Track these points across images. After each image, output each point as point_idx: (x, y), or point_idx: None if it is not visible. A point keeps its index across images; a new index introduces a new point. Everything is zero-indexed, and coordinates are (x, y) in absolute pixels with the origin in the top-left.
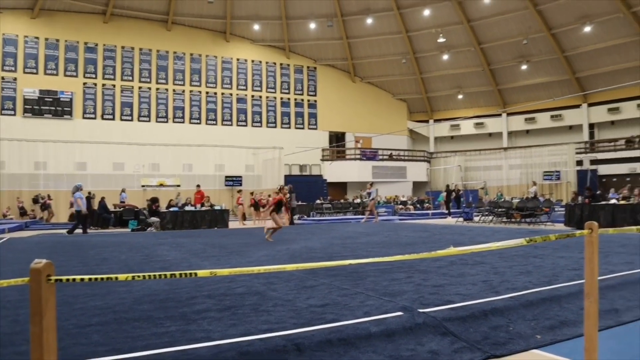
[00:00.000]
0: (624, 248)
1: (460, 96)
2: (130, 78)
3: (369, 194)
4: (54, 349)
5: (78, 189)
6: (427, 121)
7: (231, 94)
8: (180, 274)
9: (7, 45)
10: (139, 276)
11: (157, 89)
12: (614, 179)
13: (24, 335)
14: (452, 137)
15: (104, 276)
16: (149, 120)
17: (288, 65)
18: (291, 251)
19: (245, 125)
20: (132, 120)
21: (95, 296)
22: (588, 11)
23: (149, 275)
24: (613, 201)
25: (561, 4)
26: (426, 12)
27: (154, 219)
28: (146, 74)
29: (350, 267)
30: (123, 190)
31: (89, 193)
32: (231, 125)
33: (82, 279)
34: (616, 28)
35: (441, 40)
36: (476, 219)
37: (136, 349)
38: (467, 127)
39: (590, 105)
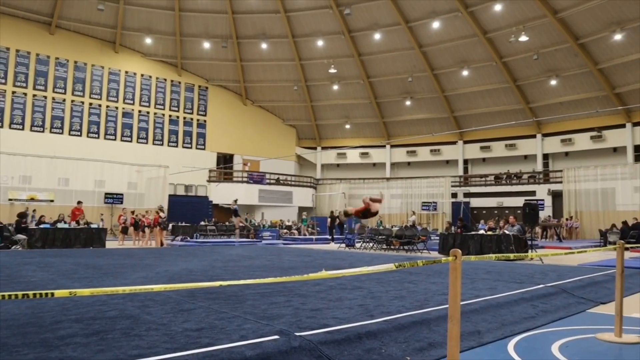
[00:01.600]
0: (489, 275)
1: (347, 126)
2: (4, 81)
3: (235, 210)
4: None
5: None
6: (315, 148)
7: (117, 107)
8: (35, 294)
9: None
10: None
11: (34, 95)
12: (484, 211)
13: None
14: (338, 165)
15: None
16: (23, 129)
17: (179, 82)
18: (170, 273)
19: (130, 141)
20: (2, 127)
21: None
22: (466, 57)
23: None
24: (482, 231)
25: (442, 48)
26: (319, 43)
27: (20, 236)
28: (22, 78)
29: (229, 290)
30: None
31: None
32: (115, 139)
33: None
34: (489, 74)
35: (332, 70)
36: (358, 245)
37: None
38: (353, 156)
39: (465, 142)
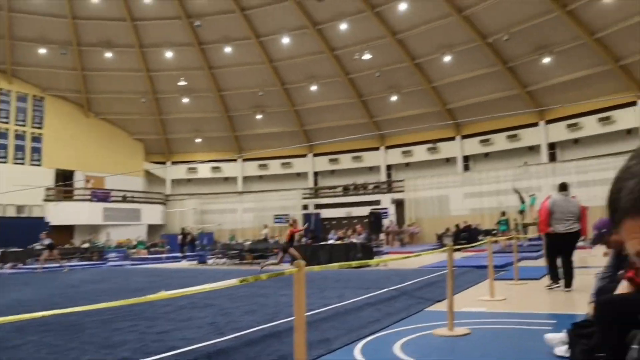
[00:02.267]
0: (338, 283)
1: (198, 140)
2: None
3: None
4: None
5: None
6: (164, 163)
7: None
8: None
9: None
10: None
11: None
12: (334, 222)
13: None
14: (189, 179)
15: None
16: None
17: (9, 91)
18: None
19: None
20: None
21: None
22: (315, 72)
23: None
24: (331, 241)
25: (293, 63)
26: (169, 54)
27: None
28: None
29: (66, 320)
30: None
31: None
32: None
33: None
34: (337, 90)
35: (182, 83)
36: (210, 261)
37: None
38: (204, 171)
39: (315, 155)
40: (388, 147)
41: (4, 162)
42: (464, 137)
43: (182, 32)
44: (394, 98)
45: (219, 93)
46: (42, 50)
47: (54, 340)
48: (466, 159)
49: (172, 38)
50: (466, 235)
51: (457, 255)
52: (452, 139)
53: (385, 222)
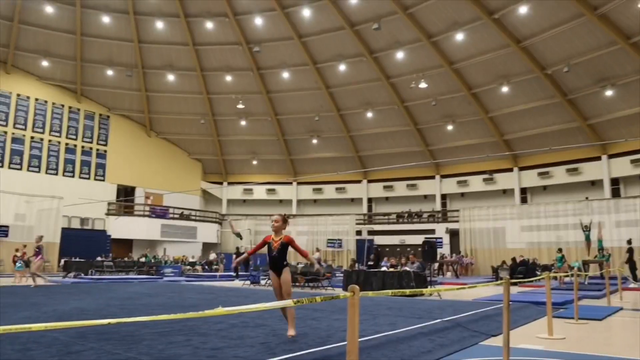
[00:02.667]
0: (390, 310)
1: (254, 162)
2: None
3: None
4: None
5: None
6: (221, 183)
7: (5, 132)
8: None
9: None
10: None
11: None
12: (387, 249)
13: None
14: (244, 200)
15: None
16: None
17: (78, 109)
18: (59, 313)
19: (20, 169)
20: None
21: None
22: (371, 99)
23: None
24: (384, 269)
25: (349, 89)
26: (228, 78)
27: None
28: None
29: (124, 330)
30: None
31: None
32: (2, 167)
33: None
34: (392, 117)
35: (240, 106)
36: (263, 282)
37: None
38: (259, 192)
39: (369, 181)
40: (443, 176)
41: (71, 177)
42: (522, 168)
43: (241, 57)
44: (449, 127)
45: (275, 117)
46: (109, 72)
47: (113, 349)
48: (524, 191)
49: (231, 62)
50: (523, 269)
51: (514, 290)
52: (510, 170)
53: (440, 251)
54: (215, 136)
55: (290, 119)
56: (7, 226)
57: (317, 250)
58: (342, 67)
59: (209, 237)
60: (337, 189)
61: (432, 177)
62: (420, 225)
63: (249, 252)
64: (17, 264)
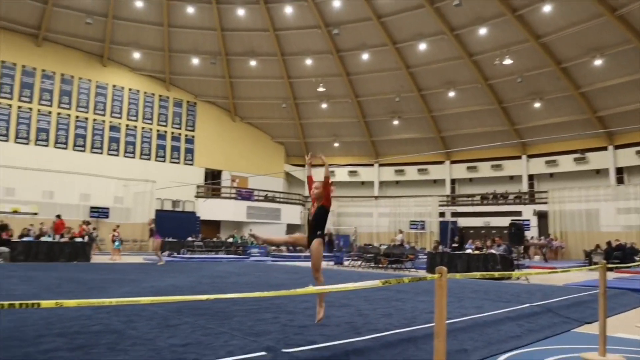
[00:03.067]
0: (475, 293)
1: (336, 144)
2: None
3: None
4: None
5: None
6: (303, 165)
7: (104, 121)
8: (21, 304)
9: None
10: None
11: (20, 107)
12: (471, 231)
13: None
14: None
15: None
16: (7, 140)
17: (167, 97)
18: (156, 289)
19: (117, 155)
20: None
21: None
22: (453, 78)
23: None
24: (469, 251)
25: (430, 69)
26: (308, 62)
27: (2, 248)
28: (7, 89)
29: (216, 306)
30: None
31: None
32: (101, 153)
33: None
34: (475, 96)
35: (321, 89)
36: (346, 263)
37: None
38: (341, 174)
39: (452, 162)
40: (530, 156)
41: (163, 162)
42: (618, 147)
43: (321, 41)
44: (537, 104)
45: (356, 99)
46: (195, 61)
47: (206, 324)
48: (620, 171)
49: (311, 46)
50: (620, 254)
51: (609, 276)
52: (603, 148)
53: (527, 234)
54: (297, 119)
55: (370, 101)
56: (107, 208)
57: (400, 231)
58: (422, 47)
59: (293, 218)
60: (419, 170)
61: (519, 157)
62: (506, 207)
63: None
64: (115, 242)
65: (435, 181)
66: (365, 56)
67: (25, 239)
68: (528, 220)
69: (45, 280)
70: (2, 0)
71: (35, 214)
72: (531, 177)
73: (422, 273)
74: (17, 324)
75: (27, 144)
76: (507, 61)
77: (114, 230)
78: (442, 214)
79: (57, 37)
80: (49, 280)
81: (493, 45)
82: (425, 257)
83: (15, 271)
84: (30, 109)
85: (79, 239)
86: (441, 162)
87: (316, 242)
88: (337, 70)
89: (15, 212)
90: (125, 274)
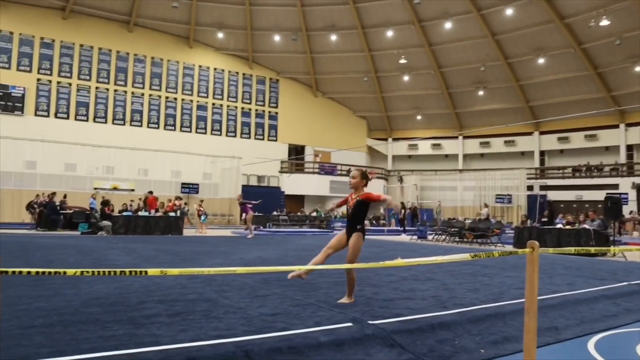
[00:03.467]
0: (567, 270)
1: (419, 117)
2: (88, 77)
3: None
4: None
5: None
6: (385, 139)
7: (191, 101)
8: (130, 272)
9: None
10: (87, 271)
11: (115, 90)
12: (562, 205)
13: None
14: (409, 156)
15: (52, 270)
16: (105, 122)
17: (251, 75)
18: (245, 261)
19: (205, 133)
20: (87, 120)
21: (40, 298)
22: (542, 44)
23: (98, 272)
24: (559, 226)
25: (517, 35)
26: (389, 33)
27: (105, 222)
28: (104, 75)
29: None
30: (93, 196)
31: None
32: (190, 132)
33: (28, 272)
34: (567, 62)
35: (402, 61)
36: (430, 237)
37: (81, 352)
38: (424, 148)
39: (541, 133)
40: (629, 125)
41: (247, 138)
42: None
43: (401, 11)
44: (638, 68)
45: (438, 69)
46: (276, 38)
47: (294, 295)
48: None
49: (392, 17)
50: None
51: None
52: None
53: (625, 208)
54: (378, 93)
55: (454, 71)
56: (197, 184)
57: (486, 205)
58: (508, 12)
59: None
60: (505, 142)
61: (616, 127)
62: (601, 179)
63: (333, 205)
64: (201, 217)
65: (523, 153)
66: (448, 25)
67: (124, 213)
68: (626, 193)
69: (144, 251)
70: None
71: (132, 190)
72: (630, 148)
73: (509, 248)
74: (122, 291)
75: (122, 124)
76: (604, 22)
77: (199, 205)
78: (530, 187)
79: (146, 22)
80: (147, 251)
81: (587, 6)
82: (512, 232)
83: (117, 243)
84: (125, 92)
85: (171, 213)
86: (529, 133)
87: (356, 236)
88: (418, 41)
89: (114, 188)
90: (215, 246)
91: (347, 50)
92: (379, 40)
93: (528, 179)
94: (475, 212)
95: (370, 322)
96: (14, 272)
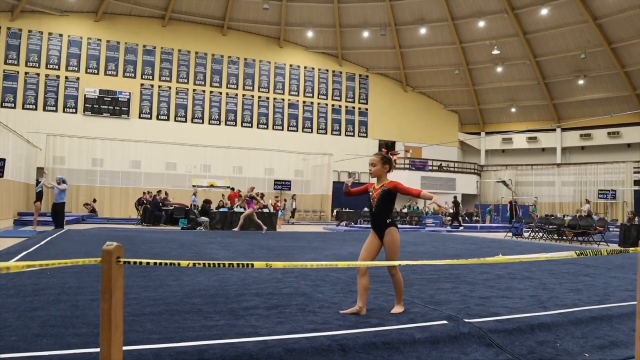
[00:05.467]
0: None
1: (513, 109)
2: (186, 80)
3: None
4: (121, 325)
5: (63, 180)
6: (478, 133)
7: (283, 99)
8: (238, 264)
9: (71, 46)
10: (199, 263)
11: (211, 92)
12: None
13: (84, 319)
14: (503, 150)
15: (169, 261)
16: (202, 122)
17: (340, 72)
18: (337, 256)
19: (296, 131)
20: (185, 121)
21: (147, 288)
22: None
23: (208, 264)
24: None
25: (621, 18)
26: (481, 24)
27: (203, 218)
28: (201, 77)
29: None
30: (194, 194)
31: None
32: (282, 130)
33: (147, 263)
34: None
35: (495, 52)
36: (526, 234)
37: (187, 339)
38: (519, 141)
39: None
40: None
41: (338, 135)
42: None
43: (494, 0)
44: None
45: (534, 59)
46: (365, 34)
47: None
48: None
49: (483, 7)
50: None
51: None
52: None
53: None
54: (470, 86)
55: (551, 60)
56: (289, 181)
57: (587, 201)
58: None
59: (468, 188)
60: (609, 133)
61: None
62: None
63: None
64: (279, 212)
65: (629, 145)
66: (544, 11)
67: (221, 209)
68: None
69: (240, 246)
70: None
71: (228, 187)
72: None
73: (613, 247)
74: (221, 283)
75: (218, 124)
76: None
77: (276, 202)
78: (637, 182)
79: (239, 25)
80: (243, 246)
81: None
82: (618, 229)
83: (215, 238)
84: (220, 92)
85: (265, 210)
86: (637, 124)
87: (391, 232)
88: (512, 30)
89: (211, 186)
90: (308, 242)
91: (437, 44)
92: (470, 32)
93: (635, 172)
94: (574, 209)
95: (467, 320)
96: (135, 263)
